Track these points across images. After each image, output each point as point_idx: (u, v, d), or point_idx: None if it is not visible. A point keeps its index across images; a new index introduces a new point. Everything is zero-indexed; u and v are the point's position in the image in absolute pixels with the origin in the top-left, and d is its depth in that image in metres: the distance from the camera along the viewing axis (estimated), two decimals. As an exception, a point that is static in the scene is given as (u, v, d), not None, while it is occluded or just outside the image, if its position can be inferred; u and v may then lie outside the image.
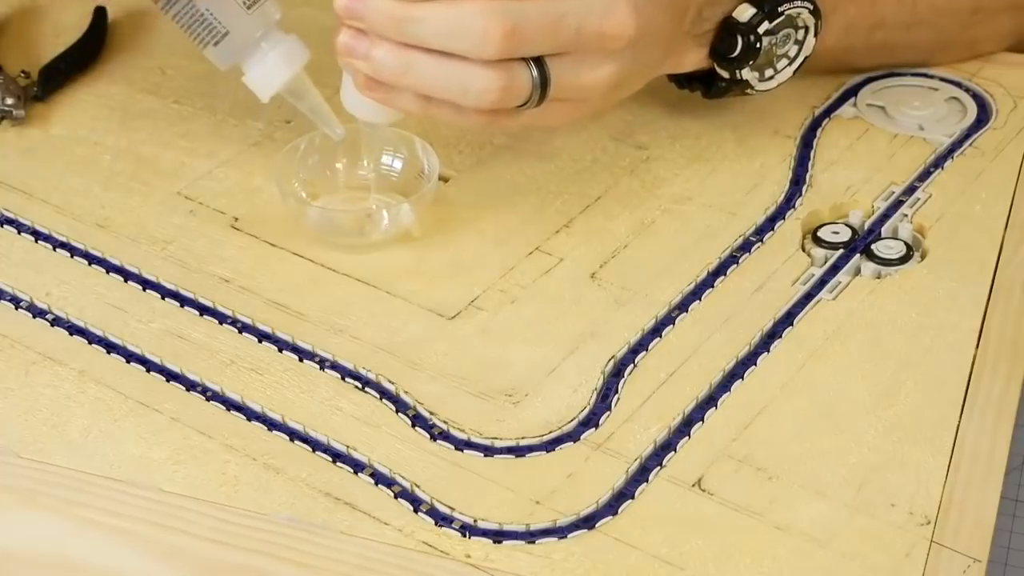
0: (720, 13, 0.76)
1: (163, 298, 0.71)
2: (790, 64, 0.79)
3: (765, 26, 0.76)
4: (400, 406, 0.65)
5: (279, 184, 0.75)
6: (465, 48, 0.67)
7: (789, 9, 0.76)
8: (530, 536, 0.59)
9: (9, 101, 0.84)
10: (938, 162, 0.79)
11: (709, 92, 0.80)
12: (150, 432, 0.64)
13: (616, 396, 0.65)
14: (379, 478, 0.61)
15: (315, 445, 0.63)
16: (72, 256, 0.74)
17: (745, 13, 0.76)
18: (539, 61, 0.68)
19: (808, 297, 0.71)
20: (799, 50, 0.78)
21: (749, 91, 0.79)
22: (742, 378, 0.66)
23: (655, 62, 0.75)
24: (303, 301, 0.71)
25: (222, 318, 0.70)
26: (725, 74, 0.78)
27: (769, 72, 0.78)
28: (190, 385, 0.66)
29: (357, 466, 0.62)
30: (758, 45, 0.76)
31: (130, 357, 0.68)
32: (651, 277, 0.72)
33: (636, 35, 0.70)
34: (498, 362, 0.67)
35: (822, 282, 0.71)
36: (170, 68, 0.88)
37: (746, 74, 0.77)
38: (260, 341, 0.69)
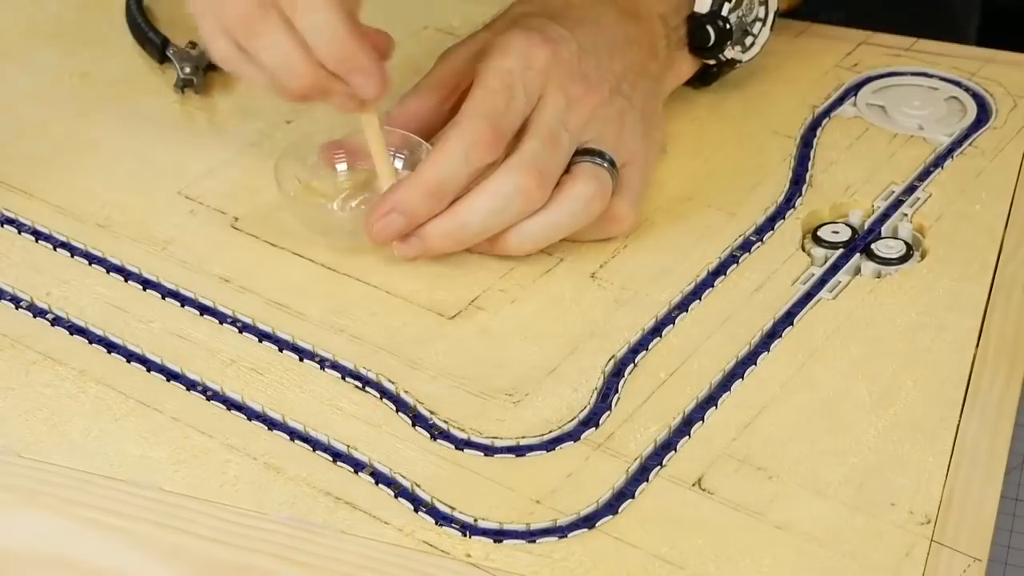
0: (685, 12, 0.79)
1: (163, 298, 0.71)
2: (764, 24, 0.81)
3: (727, 7, 0.79)
4: (400, 406, 0.65)
5: (279, 183, 0.75)
6: (523, 211, 0.70)
7: None
8: (530, 535, 0.59)
9: (187, 69, 0.85)
10: (938, 162, 0.79)
11: (705, 82, 0.83)
12: (150, 432, 0.64)
13: (616, 396, 0.65)
14: (379, 478, 0.61)
15: (315, 445, 0.63)
16: (72, 256, 0.74)
17: (704, 4, 0.79)
18: (580, 153, 0.72)
19: (808, 297, 0.71)
20: (766, 10, 0.81)
21: (739, 65, 0.82)
22: (742, 378, 0.66)
23: (652, 87, 0.77)
24: (303, 301, 0.71)
25: (222, 318, 0.70)
26: (712, 62, 0.81)
27: (749, 40, 0.81)
28: (190, 385, 0.66)
29: (357, 466, 0.62)
30: (728, 26, 0.79)
31: (130, 357, 0.68)
32: (651, 277, 0.72)
33: (614, 81, 0.73)
34: (498, 362, 0.67)
35: (822, 282, 0.71)
36: (169, 67, 0.87)
37: (729, 53, 0.80)
38: (260, 341, 0.69)
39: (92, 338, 0.69)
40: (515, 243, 0.71)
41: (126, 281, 0.72)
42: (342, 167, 0.76)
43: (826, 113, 0.83)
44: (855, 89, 0.85)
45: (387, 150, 0.73)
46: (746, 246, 0.74)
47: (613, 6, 0.77)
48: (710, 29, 0.79)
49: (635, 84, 0.75)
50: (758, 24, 0.81)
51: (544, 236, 0.71)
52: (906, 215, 0.75)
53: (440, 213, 0.70)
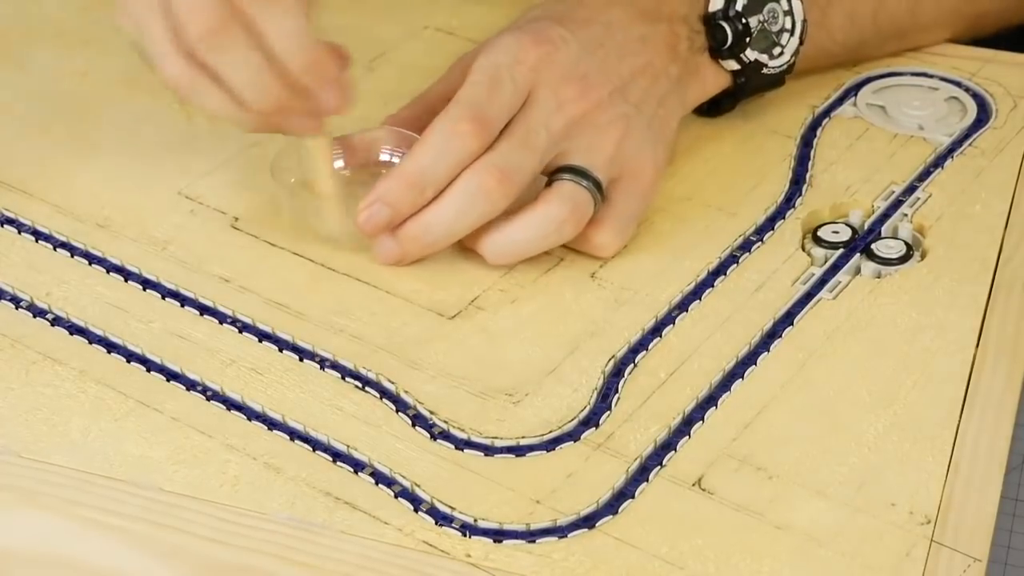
0: (701, 12, 0.78)
1: (163, 298, 0.71)
2: (792, 35, 0.79)
3: (741, 2, 0.77)
4: (400, 406, 0.65)
5: (278, 183, 0.75)
6: (486, 211, 0.69)
7: None
8: (530, 536, 0.59)
9: None
10: (938, 162, 0.79)
11: (736, 96, 0.81)
12: (150, 432, 0.64)
13: (616, 396, 0.65)
14: (379, 478, 0.61)
15: (315, 445, 0.63)
16: (72, 256, 0.74)
17: (716, 3, 0.77)
18: (564, 170, 0.71)
19: (808, 297, 0.71)
20: (792, 20, 0.79)
21: (766, 71, 0.79)
22: (742, 378, 0.66)
23: (671, 91, 0.76)
24: (303, 301, 0.71)
25: (222, 318, 0.70)
26: (735, 65, 0.78)
27: (777, 50, 0.79)
28: (190, 385, 0.66)
29: (357, 466, 0.62)
30: (743, 22, 0.77)
31: (130, 357, 0.68)
32: (651, 277, 0.72)
33: (619, 83, 0.72)
34: (498, 362, 0.67)
35: (822, 282, 0.71)
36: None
37: (752, 55, 0.78)
38: (260, 341, 0.69)
39: (92, 338, 0.69)
40: (487, 254, 0.71)
41: (126, 281, 0.72)
42: (339, 164, 0.76)
43: (826, 113, 0.83)
44: (855, 89, 0.85)
45: (334, 177, 0.72)
46: (746, 246, 0.74)
47: (631, 7, 0.76)
48: (726, 25, 0.77)
49: (648, 89, 0.74)
50: (786, 35, 0.79)
51: (514, 251, 0.71)
52: (906, 215, 0.75)
53: (412, 216, 0.70)
